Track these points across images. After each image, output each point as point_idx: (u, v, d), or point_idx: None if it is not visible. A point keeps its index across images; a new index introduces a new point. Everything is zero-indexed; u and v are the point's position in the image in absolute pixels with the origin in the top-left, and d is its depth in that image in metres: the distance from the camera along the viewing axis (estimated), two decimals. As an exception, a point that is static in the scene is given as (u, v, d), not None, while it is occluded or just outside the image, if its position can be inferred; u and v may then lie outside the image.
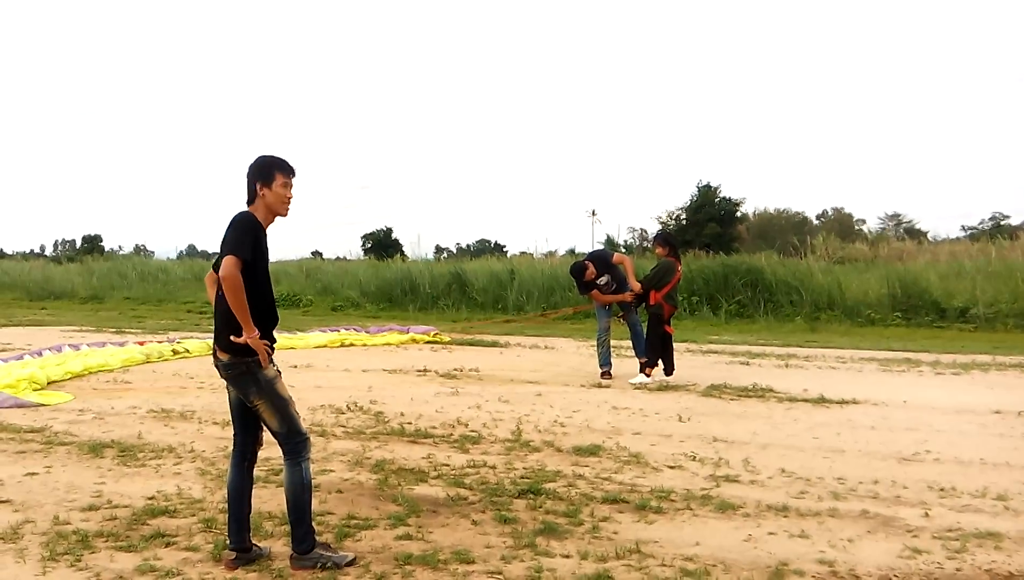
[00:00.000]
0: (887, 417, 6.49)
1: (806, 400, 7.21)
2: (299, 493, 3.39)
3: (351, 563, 3.35)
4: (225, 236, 3.29)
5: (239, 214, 3.36)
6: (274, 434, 3.42)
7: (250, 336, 3.25)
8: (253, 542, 3.46)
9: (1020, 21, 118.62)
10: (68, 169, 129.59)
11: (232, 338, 3.27)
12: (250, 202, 3.40)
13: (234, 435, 3.55)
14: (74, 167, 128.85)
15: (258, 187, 3.38)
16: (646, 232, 45.93)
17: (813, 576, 3.23)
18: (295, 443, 3.41)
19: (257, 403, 3.37)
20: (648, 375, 8.27)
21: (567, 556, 3.43)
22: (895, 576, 3.24)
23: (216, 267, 3.40)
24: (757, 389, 7.74)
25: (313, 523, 3.44)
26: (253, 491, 3.56)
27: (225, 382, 3.48)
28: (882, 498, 4.30)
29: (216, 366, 3.44)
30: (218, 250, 3.38)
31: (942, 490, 4.43)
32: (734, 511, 4.05)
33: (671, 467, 4.93)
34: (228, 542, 3.41)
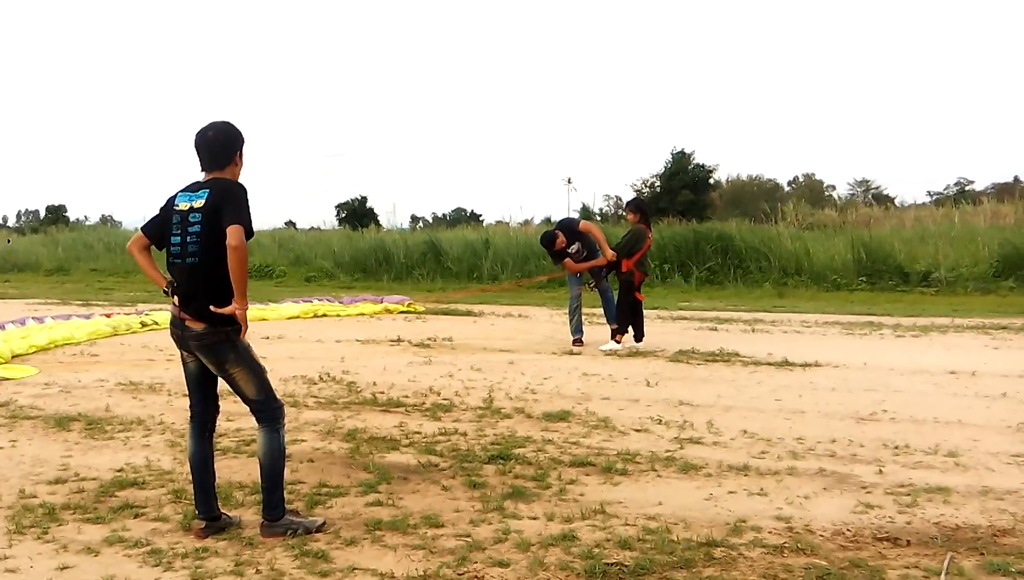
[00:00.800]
0: (847, 379, 6.68)
1: (770, 364, 7.39)
2: (275, 459, 3.42)
3: (320, 528, 3.40)
4: (217, 203, 3.25)
5: (235, 184, 3.36)
6: (250, 401, 3.42)
7: (243, 307, 3.27)
8: (222, 511, 3.50)
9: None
10: (30, 137, 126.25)
11: (213, 308, 3.26)
12: (219, 167, 3.37)
13: (191, 406, 3.56)
14: (37, 135, 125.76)
15: (237, 155, 3.43)
16: (621, 199, 46.05)
17: (770, 532, 3.35)
18: (272, 410, 3.43)
19: (234, 371, 3.37)
20: (618, 342, 8.39)
21: (534, 518, 3.51)
22: (848, 530, 3.37)
23: (145, 230, 3.46)
24: (723, 354, 7.91)
25: (284, 491, 3.49)
26: (224, 461, 3.62)
27: (184, 352, 3.45)
28: (839, 457, 4.45)
29: (179, 335, 3.39)
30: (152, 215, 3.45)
31: (896, 448, 4.60)
32: (696, 472, 4.17)
33: (637, 430, 5.04)
34: (196, 512, 3.44)
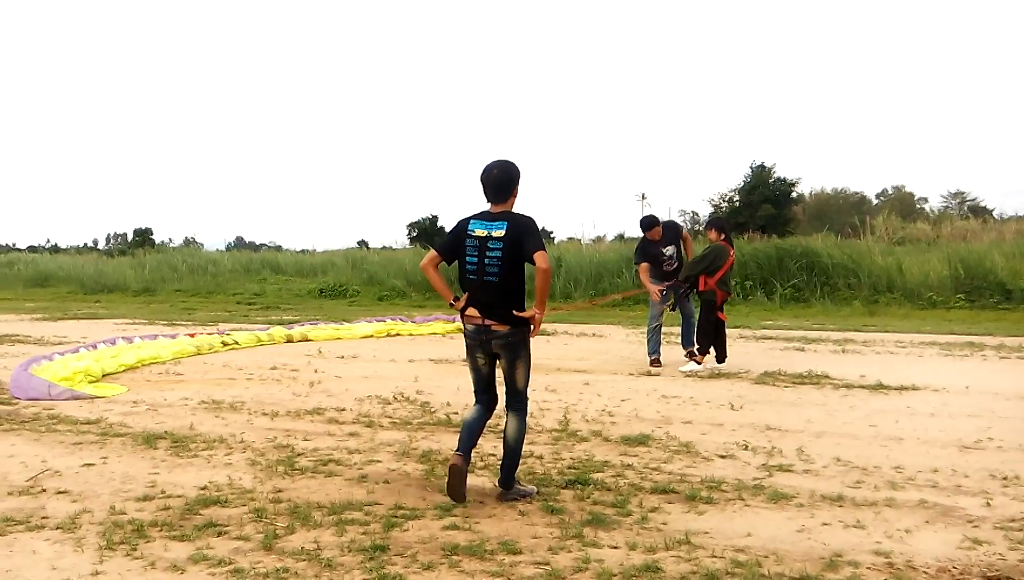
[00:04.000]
0: (948, 403, 6.30)
1: (863, 386, 7.03)
2: (519, 441, 4.13)
3: (534, 496, 4.09)
4: (518, 234, 3.95)
5: (528, 218, 4.02)
6: (516, 390, 4.13)
7: (541, 313, 4.05)
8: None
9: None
10: (119, 164, 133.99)
11: (515, 313, 4.01)
12: (503, 200, 4.06)
13: (477, 397, 4.24)
14: (124, 162, 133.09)
15: (516, 188, 4.10)
16: (697, 215, 45.30)
17: (868, 567, 3.15)
18: (526, 401, 4.20)
19: (520, 364, 4.11)
20: (699, 363, 8.17)
21: (615, 547, 3.40)
22: (954, 568, 3.14)
23: (437, 248, 4.27)
24: (812, 375, 7.58)
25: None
26: (302, 481, 4.01)
27: (477, 350, 4.14)
28: (941, 487, 4.17)
29: (480, 340, 4.10)
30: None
31: (1005, 479, 4.28)
32: (787, 501, 3.97)
33: (722, 456, 4.86)
34: (456, 449, 4.11)
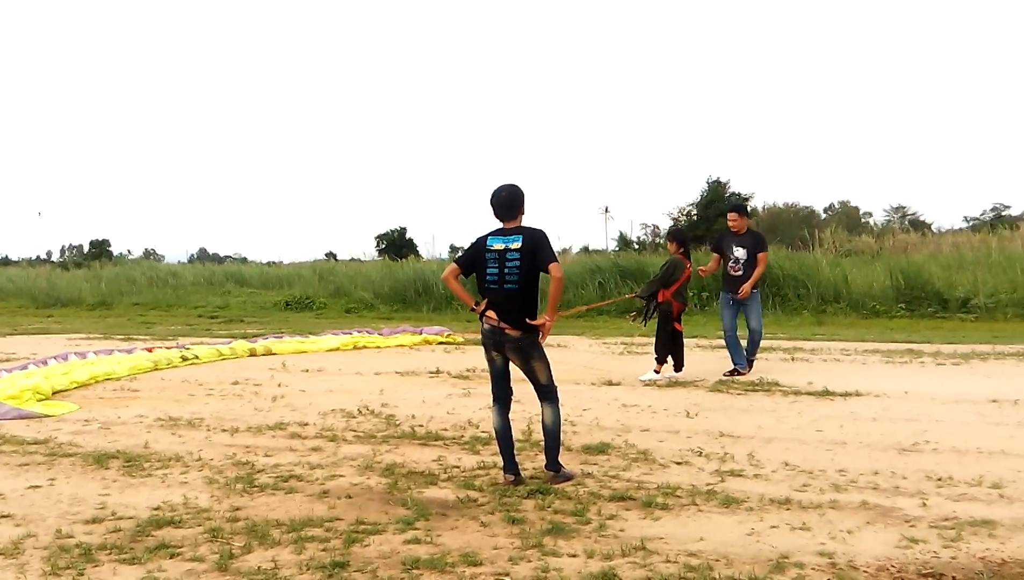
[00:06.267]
0: (888, 408, 6.61)
1: (810, 393, 7.33)
2: (557, 426, 4.70)
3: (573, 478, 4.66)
4: (533, 246, 4.52)
5: (541, 232, 4.59)
6: (540, 385, 4.70)
7: (552, 319, 4.59)
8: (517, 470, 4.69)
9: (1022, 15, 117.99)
10: (75, 173, 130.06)
11: (528, 320, 4.55)
12: (512, 217, 4.64)
13: (495, 393, 4.78)
14: (81, 171, 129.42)
15: (522, 207, 4.68)
16: (658, 228, 46.03)
17: (813, 568, 3.34)
18: (554, 391, 4.73)
19: (535, 364, 4.65)
20: (658, 372, 8.40)
21: (574, 555, 3.52)
22: (892, 566, 3.36)
23: (457, 262, 4.80)
24: (763, 383, 7.87)
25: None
26: (261, 499, 4.24)
27: (494, 352, 4.67)
28: (881, 489, 4.42)
29: (496, 340, 4.62)
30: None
31: (939, 480, 4.55)
32: (738, 505, 4.16)
33: (678, 463, 5.04)
34: (503, 470, 4.70)
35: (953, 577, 3.23)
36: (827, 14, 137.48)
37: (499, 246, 4.62)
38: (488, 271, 4.65)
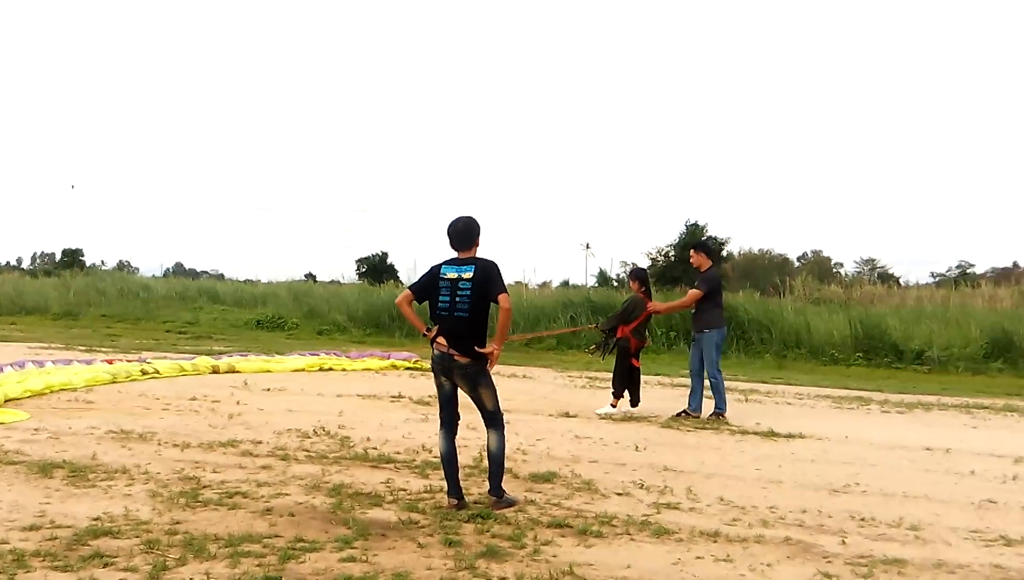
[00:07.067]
0: (827, 451, 6.85)
1: (756, 433, 7.55)
2: (502, 451, 4.86)
3: (516, 503, 4.79)
4: (483, 278, 4.69)
5: (493, 263, 4.78)
6: (486, 411, 4.86)
7: (499, 348, 4.77)
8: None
9: (991, 72, 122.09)
10: (49, 179, 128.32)
11: (477, 348, 4.71)
12: (467, 248, 4.82)
13: (442, 418, 4.93)
14: (55, 177, 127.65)
15: (477, 238, 4.85)
16: (637, 265, 46.75)
17: (728, 596, 3.52)
18: (500, 417, 4.91)
19: (482, 391, 4.81)
20: (614, 406, 8.57)
21: (504, 578, 3.62)
22: (803, 597, 3.54)
23: (411, 288, 5.00)
24: (713, 422, 8.07)
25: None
26: (204, 513, 4.48)
27: (443, 378, 4.83)
28: (806, 526, 4.61)
29: (444, 366, 4.79)
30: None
31: (862, 520, 4.75)
32: (669, 536, 4.32)
33: (619, 494, 5.19)
34: (447, 494, 4.80)
35: (858, 610, 3.41)
36: (811, 67, 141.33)
37: (452, 275, 4.79)
38: (440, 299, 4.81)
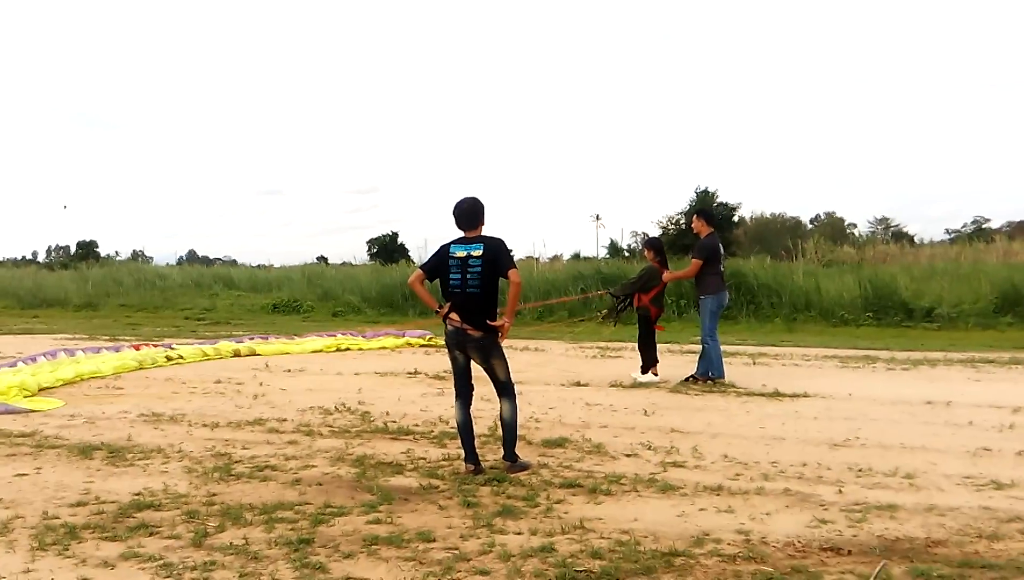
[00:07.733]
0: (830, 408, 7.06)
1: (762, 394, 7.77)
2: (515, 418, 5.13)
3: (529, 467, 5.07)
4: (493, 254, 4.94)
5: (501, 241, 5.03)
6: (499, 382, 5.12)
7: (510, 321, 5.06)
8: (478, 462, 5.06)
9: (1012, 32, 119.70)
10: (62, 173, 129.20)
11: (489, 321, 4.96)
12: (473, 228, 5.06)
13: (457, 389, 5.19)
14: (69, 170, 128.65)
15: (482, 218, 5.09)
16: (648, 235, 46.76)
17: (728, 543, 3.74)
18: (512, 387, 5.17)
19: (495, 362, 5.08)
20: (656, 374, 8.68)
21: (519, 533, 3.89)
22: (798, 542, 3.76)
23: (422, 267, 5.25)
24: (720, 385, 8.28)
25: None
26: (237, 486, 4.70)
27: (457, 351, 5.07)
28: (805, 478, 4.84)
29: (458, 340, 5.03)
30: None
31: (859, 471, 4.98)
32: (674, 492, 4.57)
33: (627, 455, 5.43)
34: (464, 461, 5.05)
35: (849, 551, 3.63)
36: (820, 27, 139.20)
37: (461, 254, 5.02)
38: (451, 276, 5.04)
